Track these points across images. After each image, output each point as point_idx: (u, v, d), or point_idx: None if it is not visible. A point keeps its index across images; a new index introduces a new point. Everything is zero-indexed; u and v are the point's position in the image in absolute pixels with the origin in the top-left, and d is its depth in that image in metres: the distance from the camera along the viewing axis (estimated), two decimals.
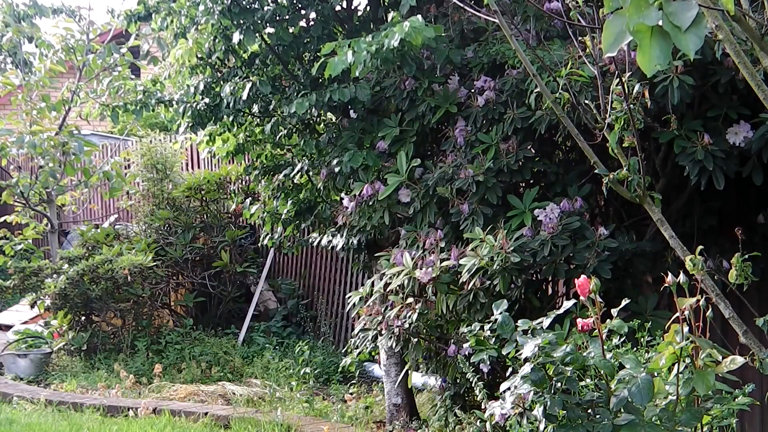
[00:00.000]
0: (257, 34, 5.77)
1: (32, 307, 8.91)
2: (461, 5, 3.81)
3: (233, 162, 7.71)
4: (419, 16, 4.58)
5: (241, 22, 5.67)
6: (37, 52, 9.85)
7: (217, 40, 6.00)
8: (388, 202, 5.14)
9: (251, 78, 5.95)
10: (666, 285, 2.46)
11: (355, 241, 5.72)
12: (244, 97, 5.81)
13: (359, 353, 5.42)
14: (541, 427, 2.55)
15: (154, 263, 8.39)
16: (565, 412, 2.55)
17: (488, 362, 2.84)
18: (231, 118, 6.36)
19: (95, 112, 7.79)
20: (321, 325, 8.84)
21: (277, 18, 5.77)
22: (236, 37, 5.70)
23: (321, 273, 9.26)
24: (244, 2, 5.67)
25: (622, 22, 1.53)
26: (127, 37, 9.06)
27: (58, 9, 9.99)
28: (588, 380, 2.68)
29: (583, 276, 2.50)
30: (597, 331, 2.52)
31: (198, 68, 6.39)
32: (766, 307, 3.54)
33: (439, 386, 5.56)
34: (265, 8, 5.70)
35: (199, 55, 6.25)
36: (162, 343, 8.27)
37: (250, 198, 7.82)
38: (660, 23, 1.49)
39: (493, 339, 2.82)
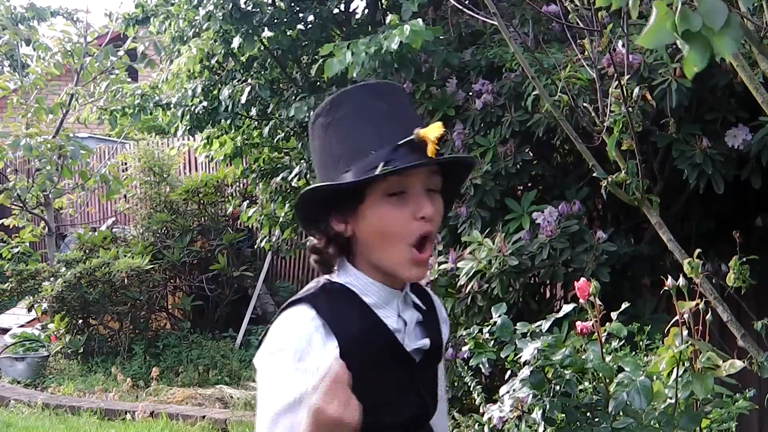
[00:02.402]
0: (256, 38, 5.76)
1: (29, 310, 8.89)
2: (460, 7, 3.81)
3: (231, 165, 7.71)
4: (420, 20, 4.56)
5: (241, 26, 5.66)
6: (34, 55, 9.84)
7: (216, 44, 6.00)
8: None
9: (250, 81, 5.94)
10: (665, 288, 2.45)
11: None
12: (243, 100, 5.80)
13: None
14: (540, 430, 2.54)
15: (152, 266, 8.37)
16: (563, 415, 2.55)
17: (487, 365, 2.83)
18: (229, 122, 6.35)
19: (93, 116, 7.79)
20: None
21: (275, 21, 5.77)
22: (236, 41, 5.69)
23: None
24: (244, 7, 5.66)
25: (665, 17, 1.52)
26: (124, 40, 9.06)
27: (56, 12, 9.99)
28: (587, 383, 2.67)
29: (582, 278, 2.50)
30: (596, 334, 2.51)
31: (196, 71, 6.38)
32: (765, 310, 3.54)
33: None
34: (264, 11, 5.69)
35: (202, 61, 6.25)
36: (159, 347, 8.25)
37: (248, 201, 7.81)
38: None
39: (492, 342, 2.81)
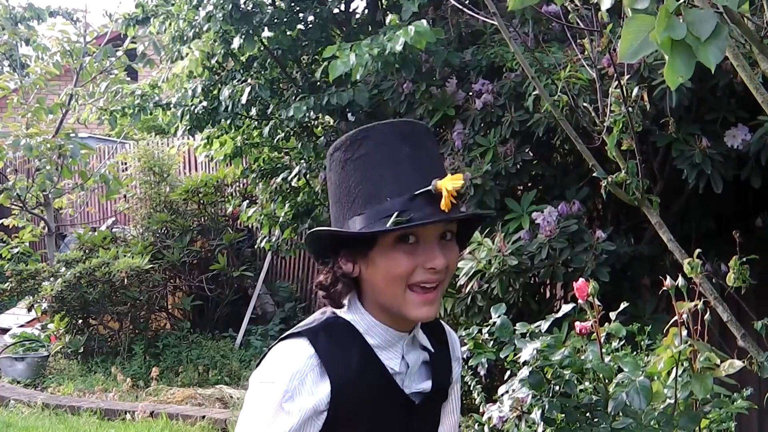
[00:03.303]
0: (256, 38, 5.75)
1: (29, 310, 8.89)
2: (460, 7, 3.81)
3: (231, 165, 7.72)
4: (424, 21, 4.56)
5: (241, 26, 5.65)
6: (33, 55, 9.84)
7: (216, 44, 5.99)
8: None
9: (250, 81, 5.94)
10: (664, 288, 2.45)
11: None
12: (243, 100, 5.80)
13: None
14: (539, 430, 2.54)
15: (152, 266, 8.36)
16: (563, 415, 2.54)
17: (486, 365, 2.83)
18: (229, 121, 6.35)
19: (93, 116, 7.79)
20: None
21: (275, 21, 5.76)
22: (236, 41, 5.68)
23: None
24: (243, 7, 5.66)
25: (644, 29, 1.50)
26: (124, 40, 9.06)
27: (55, 12, 9.98)
28: (586, 383, 2.67)
29: (581, 279, 2.49)
30: (595, 334, 2.51)
31: (198, 73, 6.38)
32: (764, 310, 3.53)
33: None
34: (264, 11, 5.69)
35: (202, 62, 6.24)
36: (159, 347, 8.25)
37: (248, 201, 7.81)
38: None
39: (492, 342, 2.81)
